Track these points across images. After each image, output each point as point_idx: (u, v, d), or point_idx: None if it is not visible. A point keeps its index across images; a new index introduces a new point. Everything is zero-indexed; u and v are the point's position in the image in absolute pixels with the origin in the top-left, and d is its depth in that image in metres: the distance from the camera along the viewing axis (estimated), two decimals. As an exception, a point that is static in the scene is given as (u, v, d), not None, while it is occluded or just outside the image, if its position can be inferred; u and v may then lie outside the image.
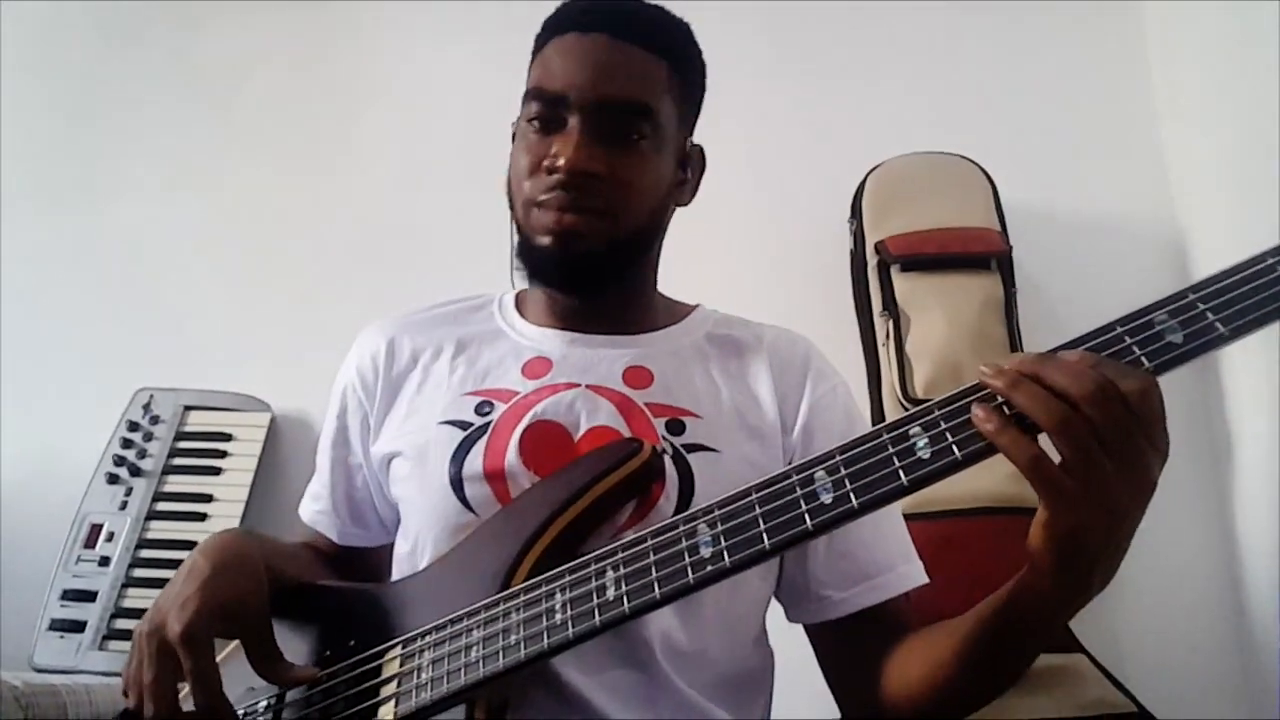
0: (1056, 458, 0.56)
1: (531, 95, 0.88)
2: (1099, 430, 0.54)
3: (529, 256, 0.89)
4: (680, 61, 0.92)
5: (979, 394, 0.59)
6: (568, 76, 0.86)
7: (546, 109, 0.86)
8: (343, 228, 1.97)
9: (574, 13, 0.90)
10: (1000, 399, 0.58)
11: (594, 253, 0.85)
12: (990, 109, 1.82)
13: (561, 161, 0.83)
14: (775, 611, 0.91)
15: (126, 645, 0.76)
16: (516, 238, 0.91)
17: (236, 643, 0.77)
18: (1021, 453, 0.56)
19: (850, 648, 0.85)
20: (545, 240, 0.85)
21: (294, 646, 0.79)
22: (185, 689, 0.73)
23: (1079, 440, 0.55)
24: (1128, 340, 0.56)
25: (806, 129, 1.87)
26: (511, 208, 0.91)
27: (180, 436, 1.76)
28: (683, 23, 0.94)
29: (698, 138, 0.98)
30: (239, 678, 0.75)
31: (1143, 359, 0.55)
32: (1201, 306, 0.55)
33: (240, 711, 0.75)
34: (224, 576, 0.75)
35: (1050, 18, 1.83)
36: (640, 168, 0.87)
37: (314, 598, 0.85)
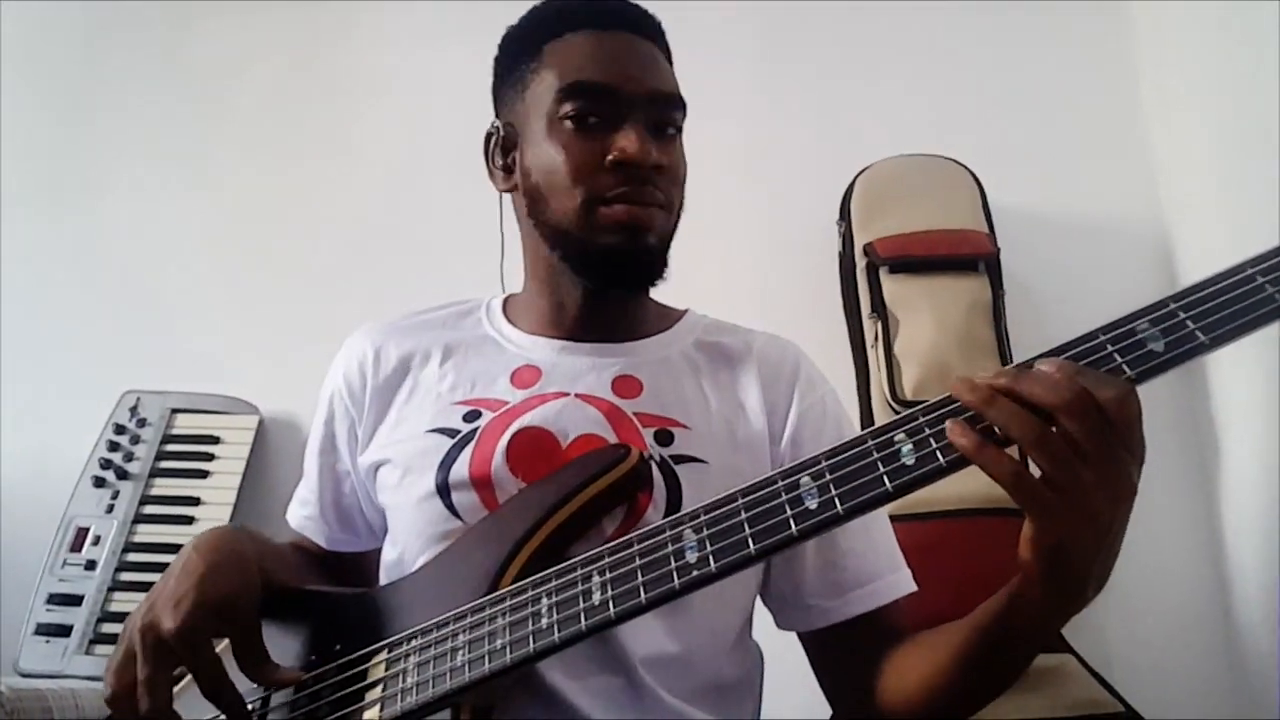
0: (1036, 470, 0.57)
1: (569, 92, 0.84)
2: (1076, 442, 0.54)
3: (589, 258, 0.86)
4: (671, 59, 0.93)
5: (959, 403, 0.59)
6: (615, 71, 0.84)
7: (591, 105, 0.83)
8: (333, 229, 1.96)
9: (583, 12, 0.88)
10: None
11: (654, 247, 0.86)
12: (978, 111, 1.83)
13: (635, 153, 0.81)
14: (767, 614, 0.91)
15: (113, 649, 0.76)
16: (559, 244, 0.86)
17: (224, 643, 0.76)
18: (999, 469, 0.56)
19: (843, 654, 0.85)
20: (613, 238, 0.83)
21: (279, 649, 0.79)
22: (178, 686, 0.73)
23: (1056, 454, 0.55)
24: (1110, 348, 0.56)
25: (795, 131, 1.88)
26: (544, 212, 0.86)
27: (167, 439, 1.75)
28: None
29: (690, 137, 0.98)
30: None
31: (1124, 367, 0.56)
32: (1182, 315, 0.55)
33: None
34: (218, 574, 0.75)
35: (1038, 20, 1.84)
36: (681, 160, 0.89)
37: (301, 602, 0.85)
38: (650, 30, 0.90)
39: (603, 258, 0.85)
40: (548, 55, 0.87)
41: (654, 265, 0.88)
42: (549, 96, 0.85)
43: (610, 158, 0.82)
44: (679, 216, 0.90)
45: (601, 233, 0.83)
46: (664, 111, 0.86)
